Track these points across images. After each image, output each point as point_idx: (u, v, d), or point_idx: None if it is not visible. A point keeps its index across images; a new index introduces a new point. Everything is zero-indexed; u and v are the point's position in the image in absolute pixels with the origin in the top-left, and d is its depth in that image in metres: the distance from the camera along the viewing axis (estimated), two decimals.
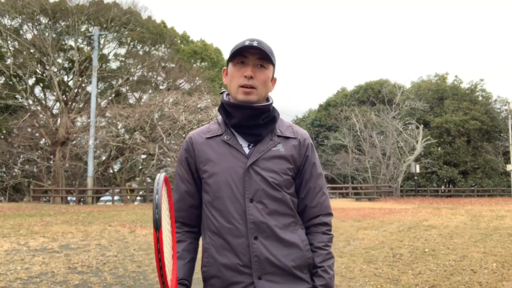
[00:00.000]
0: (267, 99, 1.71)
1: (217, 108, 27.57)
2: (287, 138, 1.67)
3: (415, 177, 34.63)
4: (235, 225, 1.57)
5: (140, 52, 34.36)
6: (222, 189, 1.60)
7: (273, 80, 1.72)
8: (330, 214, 1.72)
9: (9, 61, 30.33)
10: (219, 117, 1.74)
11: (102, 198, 30.10)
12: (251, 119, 1.62)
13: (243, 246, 1.56)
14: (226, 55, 40.64)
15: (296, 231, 1.63)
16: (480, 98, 40.09)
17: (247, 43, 1.61)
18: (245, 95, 1.62)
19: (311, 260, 1.62)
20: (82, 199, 27.96)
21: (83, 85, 32.37)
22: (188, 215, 1.69)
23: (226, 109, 1.66)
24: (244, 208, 1.57)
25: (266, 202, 1.58)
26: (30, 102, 31.48)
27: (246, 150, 1.63)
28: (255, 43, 1.60)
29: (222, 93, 1.75)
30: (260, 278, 1.54)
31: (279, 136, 1.66)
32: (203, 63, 39.71)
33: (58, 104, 31.94)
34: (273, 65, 1.67)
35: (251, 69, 1.62)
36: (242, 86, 1.62)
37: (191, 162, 1.68)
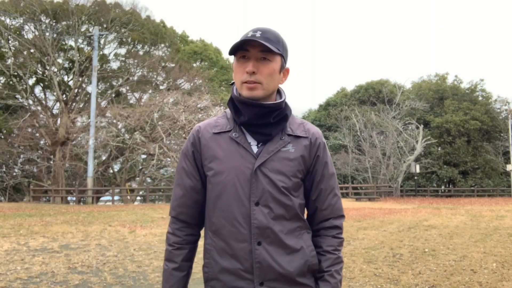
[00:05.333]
0: (280, 94, 1.59)
1: (216, 108, 27.71)
2: (298, 137, 1.56)
3: (415, 177, 34.63)
4: (238, 228, 1.49)
5: (140, 52, 34.34)
6: (227, 189, 1.51)
7: (284, 71, 1.58)
8: (342, 216, 1.64)
9: (9, 61, 30.33)
10: (228, 111, 1.62)
11: (102, 198, 30.10)
12: (261, 118, 1.51)
13: (245, 251, 1.48)
14: (225, 55, 40.79)
15: (302, 236, 1.55)
16: (480, 98, 40.08)
17: (250, 34, 1.49)
18: (249, 91, 1.50)
19: (316, 265, 1.55)
20: (82, 199, 27.95)
21: (83, 85, 32.36)
22: (192, 212, 1.60)
23: (236, 104, 1.55)
24: (249, 212, 1.49)
25: (272, 207, 1.50)
26: (30, 102, 31.48)
27: (255, 149, 1.53)
28: (257, 34, 1.48)
29: (232, 84, 1.62)
30: (262, 284, 1.48)
31: (289, 135, 1.56)
32: (202, 63, 39.72)
33: (58, 104, 31.94)
34: (281, 55, 1.53)
35: (252, 64, 1.49)
36: (245, 82, 1.51)
37: (197, 157, 1.58)
